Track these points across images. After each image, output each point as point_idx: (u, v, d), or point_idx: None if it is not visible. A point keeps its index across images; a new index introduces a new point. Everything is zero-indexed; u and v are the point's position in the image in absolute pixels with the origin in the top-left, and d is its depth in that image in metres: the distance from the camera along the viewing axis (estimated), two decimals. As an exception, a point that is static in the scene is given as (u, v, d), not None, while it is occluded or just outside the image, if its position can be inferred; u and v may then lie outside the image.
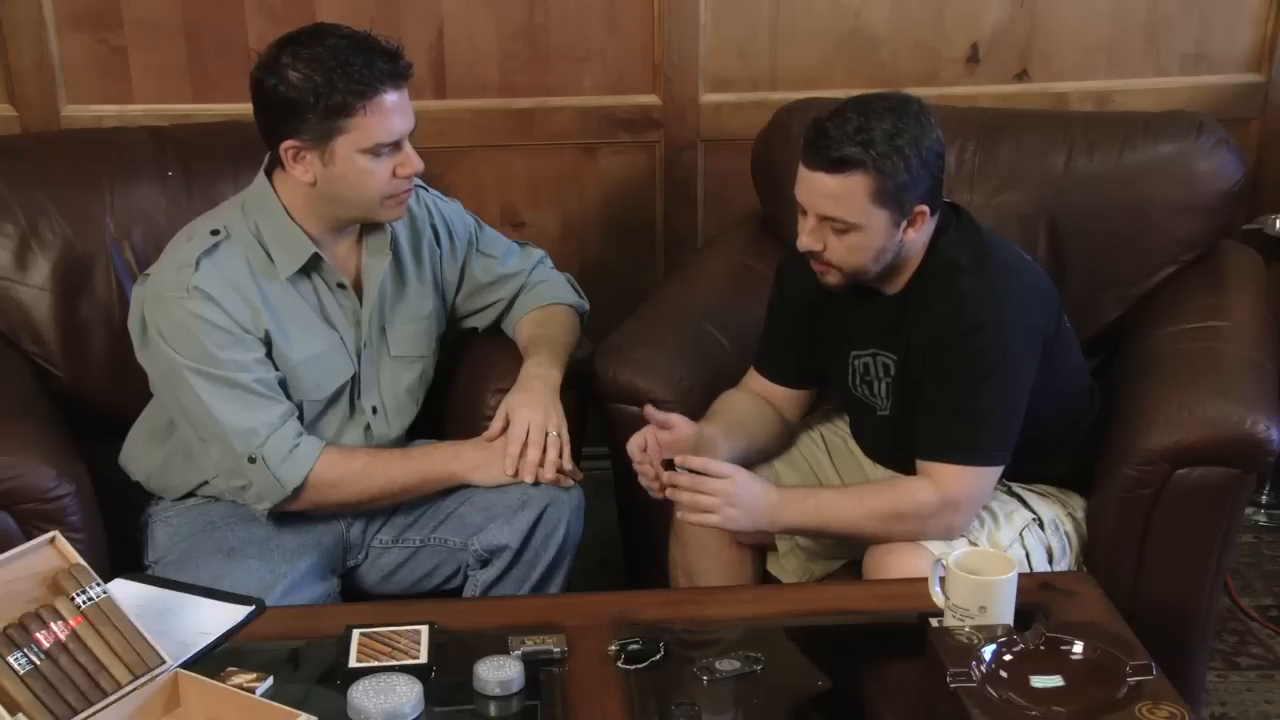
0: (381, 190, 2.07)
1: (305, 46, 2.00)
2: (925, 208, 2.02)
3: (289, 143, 2.02)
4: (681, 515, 2.10)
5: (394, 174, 2.05)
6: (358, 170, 2.03)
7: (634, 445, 2.12)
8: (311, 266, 2.13)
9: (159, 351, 2.09)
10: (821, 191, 2.01)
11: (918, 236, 2.06)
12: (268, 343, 2.10)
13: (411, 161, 2.06)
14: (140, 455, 2.30)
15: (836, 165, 1.97)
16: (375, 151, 2.02)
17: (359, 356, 2.20)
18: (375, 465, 2.16)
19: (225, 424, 2.06)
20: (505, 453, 2.14)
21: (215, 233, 2.09)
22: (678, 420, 2.12)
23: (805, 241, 2.06)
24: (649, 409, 2.12)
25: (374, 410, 2.24)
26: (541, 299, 2.40)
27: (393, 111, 2.02)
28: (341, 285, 2.16)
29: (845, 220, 2.00)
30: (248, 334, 2.08)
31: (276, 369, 2.12)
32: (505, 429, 2.16)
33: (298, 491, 2.09)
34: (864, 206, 1.99)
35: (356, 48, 2.00)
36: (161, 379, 2.15)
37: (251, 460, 2.07)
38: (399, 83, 2.02)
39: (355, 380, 2.21)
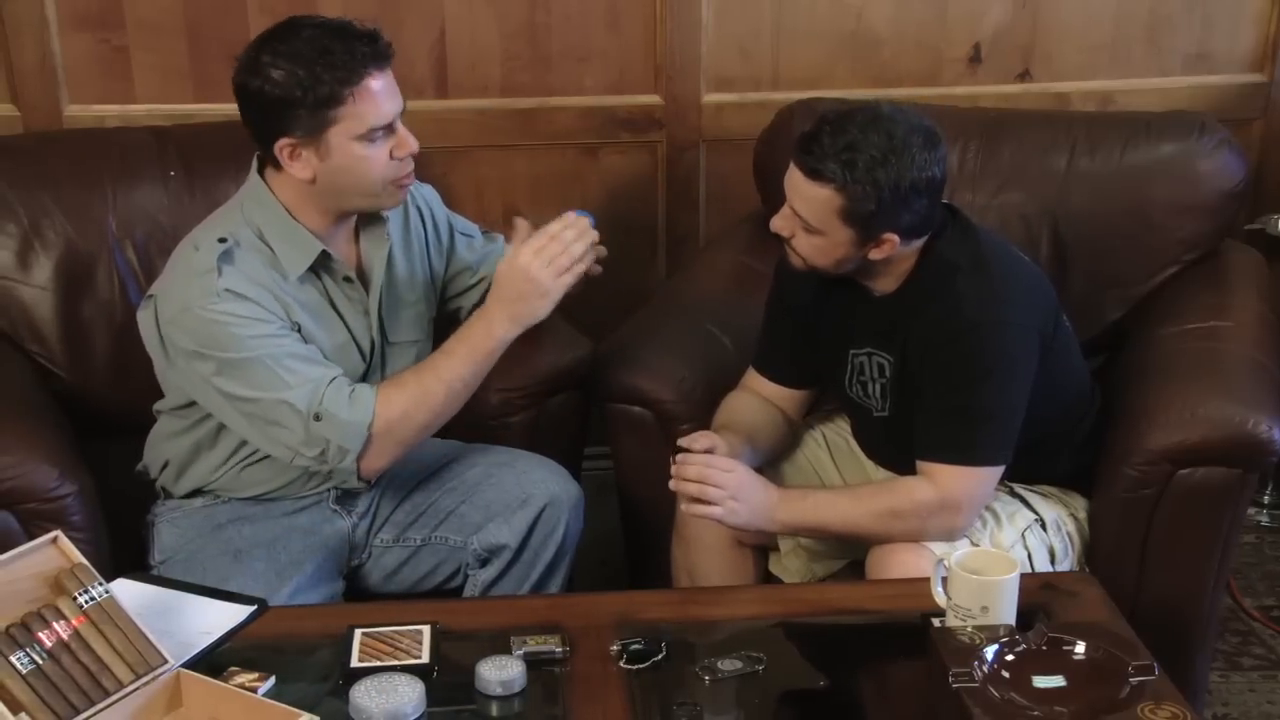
0: (382, 175, 2.05)
1: (282, 42, 1.98)
2: (894, 236, 2.03)
3: (283, 141, 2.01)
4: (685, 508, 2.10)
5: (391, 156, 2.04)
6: (355, 158, 2.02)
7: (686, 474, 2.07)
8: (319, 264, 2.12)
9: (189, 366, 2.04)
10: (797, 190, 2.03)
11: (885, 256, 2.05)
12: (299, 332, 2.08)
13: (407, 141, 2.05)
14: (158, 458, 2.26)
15: (813, 173, 1.99)
16: (370, 137, 2.01)
17: (371, 346, 2.19)
18: (427, 378, 2.08)
19: (280, 393, 2.01)
20: (551, 237, 2.12)
21: (223, 240, 2.05)
22: (717, 441, 2.11)
23: (777, 223, 2.09)
24: (685, 442, 2.09)
25: None
26: None
27: (380, 94, 2.00)
28: (349, 279, 2.15)
29: (810, 223, 2.03)
30: (283, 323, 2.05)
31: None
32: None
33: (372, 436, 2.03)
34: (829, 219, 2.01)
35: (334, 35, 1.99)
36: (199, 390, 2.08)
37: (318, 418, 2.01)
38: (382, 64, 2.01)
39: (369, 371, 2.20)
